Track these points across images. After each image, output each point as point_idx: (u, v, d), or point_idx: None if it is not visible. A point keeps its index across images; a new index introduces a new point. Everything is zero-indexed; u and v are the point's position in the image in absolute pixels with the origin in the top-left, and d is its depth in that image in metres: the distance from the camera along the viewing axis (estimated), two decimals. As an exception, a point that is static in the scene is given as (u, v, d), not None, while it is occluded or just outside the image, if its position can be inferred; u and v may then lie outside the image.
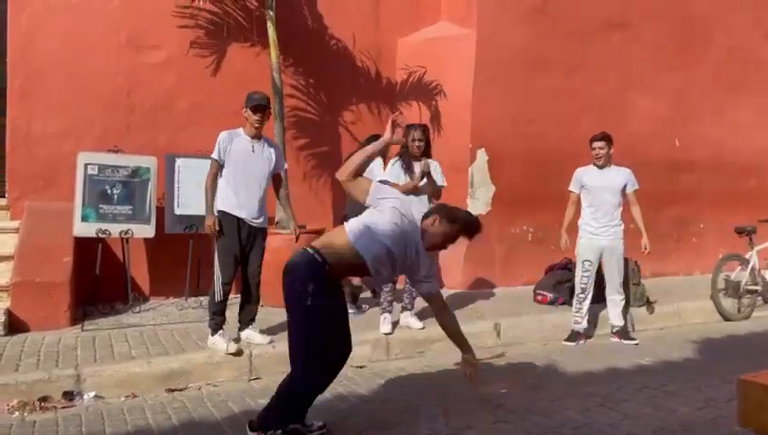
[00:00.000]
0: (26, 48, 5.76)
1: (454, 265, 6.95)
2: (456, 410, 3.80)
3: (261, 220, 4.60)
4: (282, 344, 4.61)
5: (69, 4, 5.88)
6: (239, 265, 4.60)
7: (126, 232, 5.50)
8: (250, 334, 4.68)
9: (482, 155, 6.95)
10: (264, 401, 3.87)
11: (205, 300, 5.82)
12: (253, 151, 4.53)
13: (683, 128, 8.29)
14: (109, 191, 5.58)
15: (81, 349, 4.45)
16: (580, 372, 4.62)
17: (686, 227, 8.46)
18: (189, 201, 5.78)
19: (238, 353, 4.40)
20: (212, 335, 4.50)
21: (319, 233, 6.14)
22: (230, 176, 4.49)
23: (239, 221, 4.50)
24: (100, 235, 5.44)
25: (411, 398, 4.02)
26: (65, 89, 5.86)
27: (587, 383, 4.36)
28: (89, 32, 5.92)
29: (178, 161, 5.85)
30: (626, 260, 6.49)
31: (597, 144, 5.39)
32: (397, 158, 5.27)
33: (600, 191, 5.37)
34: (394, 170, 5.19)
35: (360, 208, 5.34)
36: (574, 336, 5.45)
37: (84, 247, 5.50)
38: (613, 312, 5.53)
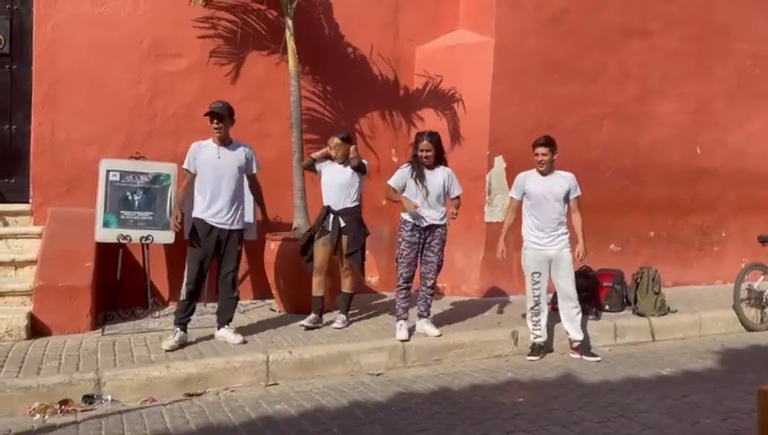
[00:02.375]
0: (51, 56, 5.88)
1: (471, 272, 6.93)
2: (473, 418, 3.78)
3: (232, 223, 4.81)
4: (298, 349, 4.64)
5: (93, 13, 5.99)
6: (207, 269, 4.82)
7: (146, 238, 5.56)
8: (224, 334, 4.86)
9: (499, 162, 6.93)
10: (281, 407, 3.91)
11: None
12: (219, 157, 4.77)
13: (704, 135, 8.19)
14: (130, 197, 5.65)
15: (102, 353, 4.50)
16: (599, 382, 4.57)
17: (708, 236, 8.33)
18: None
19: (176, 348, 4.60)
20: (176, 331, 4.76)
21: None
22: (200, 184, 4.80)
23: (210, 227, 4.75)
24: (121, 240, 5.51)
25: (428, 405, 4.00)
26: (89, 96, 5.97)
27: (606, 393, 4.31)
28: (112, 40, 6.03)
29: (198, 168, 5.91)
30: (646, 269, 6.46)
31: (540, 150, 5.07)
32: (407, 164, 5.26)
33: (544, 199, 5.08)
34: (402, 176, 5.17)
35: None
36: (537, 350, 5.15)
37: (106, 253, 5.57)
38: (571, 325, 5.18)
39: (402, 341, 4.97)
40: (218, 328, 4.91)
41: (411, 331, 5.14)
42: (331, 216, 5.36)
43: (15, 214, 5.93)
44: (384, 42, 7.10)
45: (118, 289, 5.57)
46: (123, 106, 6.07)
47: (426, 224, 5.12)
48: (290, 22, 6.06)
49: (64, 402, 3.83)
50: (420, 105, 7.26)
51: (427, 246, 5.17)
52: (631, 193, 7.69)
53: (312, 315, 5.33)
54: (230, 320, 4.94)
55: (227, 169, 4.78)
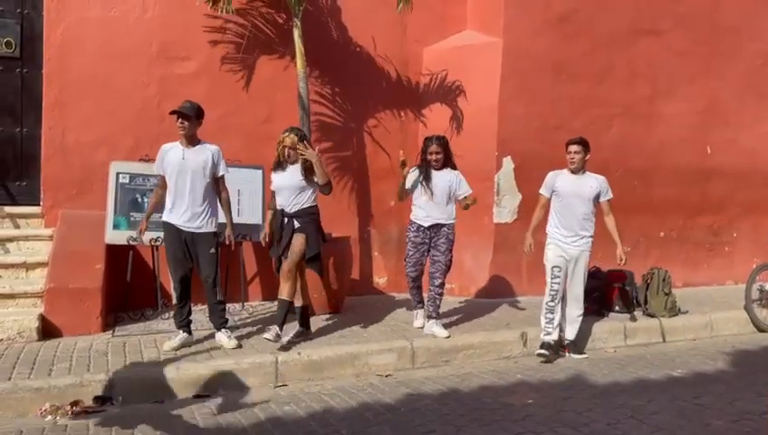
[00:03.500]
0: (61, 60, 5.92)
1: (479, 273, 6.92)
2: (482, 420, 3.77)
3: (198, 226, 4.67)
4: (306, 351, 4.65)
5: (102, 17, 6.03)
6: (189, 269, 4.77)
7: (156, 240, 5.58)
8: (219, 337, 4.82)
9: (508, 163, 6.92)
10: (290, 408, 3.92)
11: (232, 307, 5.90)
12: (183, 159, 4.65)
13: (714, 135, 8.13)
14: (140, 199, 5.68)
15: (112, 354, 4.53)
16: (610, 383, 4.55)
17: (719, 236, 8.28)
18: (219, 210, 5.84)
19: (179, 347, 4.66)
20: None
21: (344, 240, 6.20)
22: (168, 186, 4.72)
23: (176, 229, 4.67)
24: (130, 242, 5.54)
25: (437, 407, 3.99)
26: (99, 99, 6.01)
27: (616, 395, 4.29)
28: (121, 44, 6.07)
29: (208, 170, 5.94)
30: (656, 270, 6.43)
31: (573, 147, 5.13)
32: (415, 167, 5.34)
33: (571, 198, 5.11)
34: (412, 178, 5.29)
35: None
36: (547, 347, 5.11)
37: (116, 255, 5.60)
38: (569, 326, 5.24)
39: (418, 328, 5.31)
40: (217, 332, 4.88)
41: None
42: (285, 219, 4.90)
43: (27, 216, 5.98)
44: (391, 43, 7.11)
45: (128, 291, 5.60)
46: (132, 109, 6.11)
47: (429, 224, 5.20)
48: (298, 23, 6.08)
49: (75, 404, 3.86)
50: (428, 106, 7.25)
51: (433, 245, 5.24)
52: (641, 193, 7.65)
53: (297, 329, 5.01)
54: (224, 323, 4.86)
55: (192, 170, 4.64)
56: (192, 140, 4.73)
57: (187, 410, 3.88)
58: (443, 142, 5.29)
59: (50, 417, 3.73)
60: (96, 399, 3.93)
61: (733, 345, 5.78)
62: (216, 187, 4.80)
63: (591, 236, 5.18)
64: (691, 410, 3.98)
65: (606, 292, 6.31)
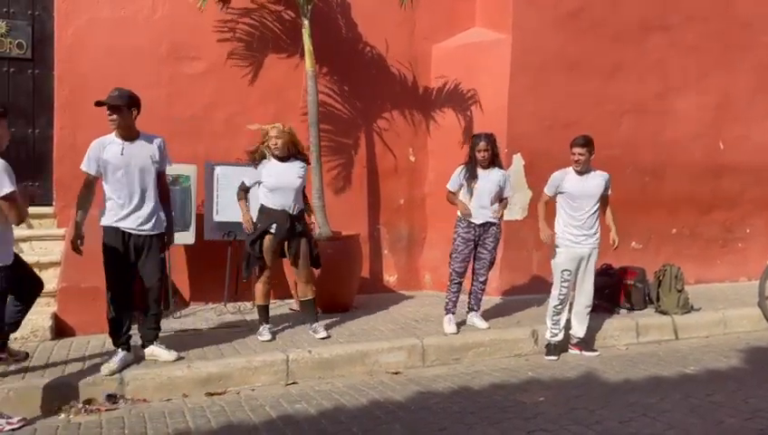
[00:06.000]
0: (72, 61, 5.96)
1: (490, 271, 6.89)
2: (493, 418, 3.76)
3: (149, 227, 4.22)
4: (317, 349, 4.65)
5: (113, 17, 6.06)
6: (130, 281, 4.33)
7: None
8: (154, 350, 4.39)
9: (518, 160, 6.89)
10: (301, 406, 3.93)
11: (243, 305, 5.92)
12: (122, 154, 4.14)
13: (726, 131, 8.06)
14: (150, 199, 5.67)
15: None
16: (621, 381, 4.53)
17: (732, 232, 8.21)
18: (228, 208, 5.87)
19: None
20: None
21: (354, 238, 6.20)
22: (107, 186, 4.20)
23: (124, 233, 4.19)
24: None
25: (448, 405, 3.99)
26: (109, 100, 6.04)
27: (628, 393, 4.26)
28: (131, 44, 6.09)
29: (217, 169, 5.96)
30: (669, 266, 6.38)
31: (577, 150, 5.01)
32: (463, 166, 5.36)
33: (581, 199, 5.05)
34: (458, 178, 5.34)
35: None
36: (553, 350, 5.11)
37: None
38: (578, 323, 5.20)
39: (451, 334, 5.12)
40: (144, 345, 4.40)
41: (459, 325, 5.30)
42: (291, 222, 4.84)
43: (39, 216, 6.02)
44: (400, 40, 7.10)
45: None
46: (142, 109, 6.09)
47: (480, 222, 5.26)
48: (307, 22, 6.08)
49: (88, 402, 3.89)
50: (437, 104, 7.24)
51: (481, 243, 5.32)
52: (652, 190, 7.61)
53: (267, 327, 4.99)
54: (157, 335, 4.45)
55: (134, 166, 4.14)
56: (131, 133, 4.20)
57: (198, 408, 3.90)
58: (491, 140, 5.29)
59: (63, 415, 3.77)
60: (109, 397, 3.96)
61: (746, 342, 5.74)
62: (158, 182, 4.29)
63: (599, 233, 5.15)
64: (704, 408, 3.95)
65: (618, 289, 6.27)
